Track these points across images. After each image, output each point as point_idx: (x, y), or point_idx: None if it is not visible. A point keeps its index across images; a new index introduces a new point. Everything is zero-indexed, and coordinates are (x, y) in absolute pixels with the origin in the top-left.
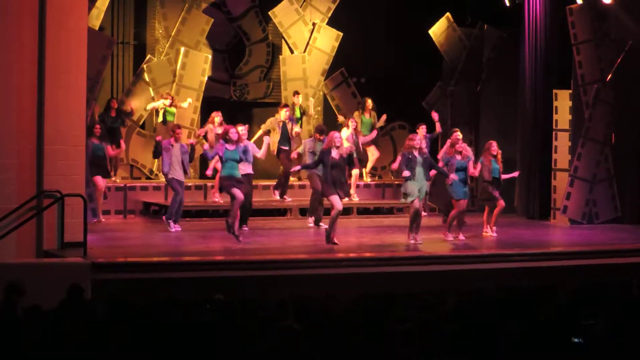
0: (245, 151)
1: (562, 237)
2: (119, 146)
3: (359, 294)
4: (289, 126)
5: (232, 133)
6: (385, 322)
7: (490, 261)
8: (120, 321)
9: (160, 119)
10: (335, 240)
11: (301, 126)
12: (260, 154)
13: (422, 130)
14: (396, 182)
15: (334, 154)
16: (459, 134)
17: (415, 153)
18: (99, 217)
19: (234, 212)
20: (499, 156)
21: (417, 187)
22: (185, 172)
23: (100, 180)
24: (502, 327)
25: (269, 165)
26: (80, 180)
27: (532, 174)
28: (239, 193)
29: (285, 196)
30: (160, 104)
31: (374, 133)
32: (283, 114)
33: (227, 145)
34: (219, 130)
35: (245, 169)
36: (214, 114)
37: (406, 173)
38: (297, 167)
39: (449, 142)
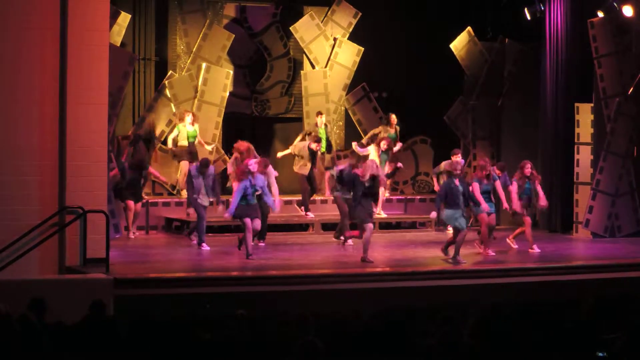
0: (262, 183)
1: (585, 250)
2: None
3: (380, 309)
4: (315, 152)
5: (252, 165)
6: (407, 337)
7: (512, 275)
8: (143, 337)
9: (185, 141)
10: (371, 259)
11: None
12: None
13: (457, 157)
14: (418, 197)
15: (366, 181)
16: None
17: (457, 182)
18: (132, 231)
19: (244, 239)
20: (533, 177)
21: (458, 214)
22: (208, 195)
23: (132, 203)
24: (524, 341)
25: (292, 182)
26: (102, 196)
27: (554, 188)
28: (249, 223)
29: (304, 209)
30: (178, 130)
31: (396, 148)
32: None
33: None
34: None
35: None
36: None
37: (433, 214)
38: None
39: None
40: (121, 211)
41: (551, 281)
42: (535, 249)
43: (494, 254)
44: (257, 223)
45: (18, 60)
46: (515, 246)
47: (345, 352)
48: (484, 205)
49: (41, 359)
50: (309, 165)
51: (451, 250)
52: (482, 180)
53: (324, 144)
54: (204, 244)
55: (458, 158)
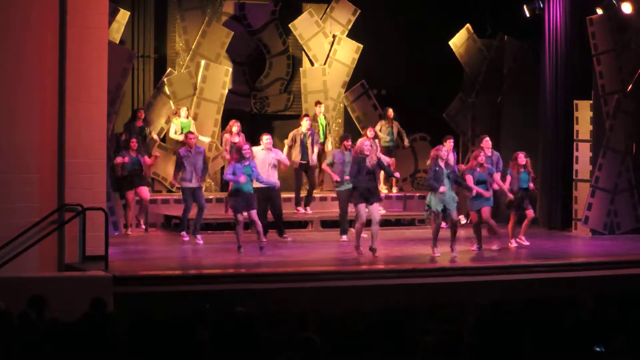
0: (254, 167)
1: (584, 247)
2: (150, 156)
3: (380, 307)
4: (308, 140)
5: (246, 150)
6: (407, 335)
7: (512, 272)
8: (142, 335)
9: (180, 137)
10: (361, 250)
11: (324, 142)
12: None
13: (449, 143)
14: (417, 194)
15: (368, 162)
16: (488, 140)
17: (442, 164)
18: (141, 226)
19: (237, 233)
20: (529, 166)
21: (442, 200)
22: (197, 174)
23: (144, 192)
24: (524, 339)
25: (290, 178)
26: (101, 194)
27: (553, 185)
28: (241, 218)
29: (299, 207)
30: (174, 124)
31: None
32: (304, 124)
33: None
34: (236, 139)
35: (272, 180)
36: (231, 122)
37: (442, 189)
38: (342, 178)
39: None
40: (120, 208)
41: (550, 278)
42: (514, 243)
43: (474, 248)
44: (253, 213)
45: (18, 59)
46: (526, 243)
47: (344, 350)
48: (477, 190)
49: (41, 357)
50: (300, 154)
51: (454, 246)
52: (474, 169)
53: (321, 137)
54: (184, 233)
55: (450, 145)
